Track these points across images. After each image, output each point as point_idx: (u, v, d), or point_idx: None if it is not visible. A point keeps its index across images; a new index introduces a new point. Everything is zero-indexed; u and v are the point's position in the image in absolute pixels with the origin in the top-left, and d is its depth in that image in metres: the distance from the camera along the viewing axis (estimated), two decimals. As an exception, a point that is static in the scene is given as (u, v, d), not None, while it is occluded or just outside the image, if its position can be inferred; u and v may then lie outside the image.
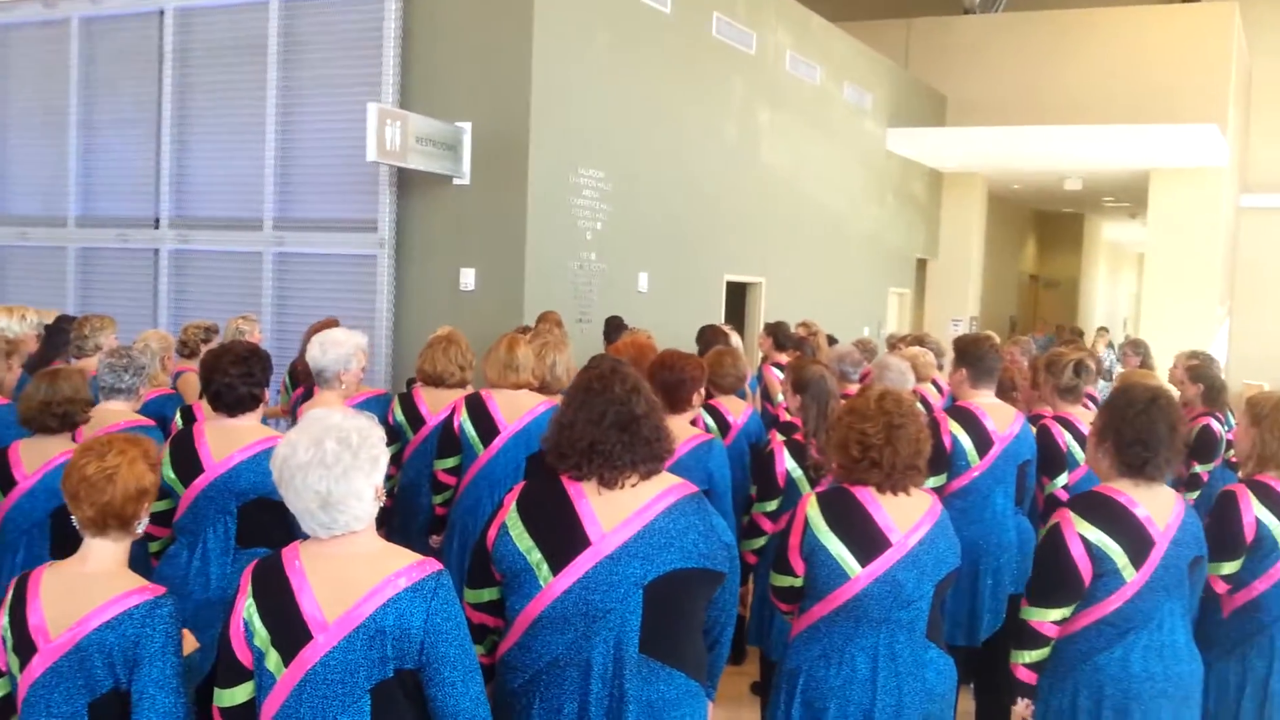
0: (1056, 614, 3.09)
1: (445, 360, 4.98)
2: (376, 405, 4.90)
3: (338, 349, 4.32)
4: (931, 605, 2.97)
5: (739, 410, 5.28)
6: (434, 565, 2.33)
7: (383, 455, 2.35)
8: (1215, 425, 5.79)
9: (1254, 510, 3.53)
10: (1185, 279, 15.17)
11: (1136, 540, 3.03)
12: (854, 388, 5.16)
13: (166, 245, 9.20)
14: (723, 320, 10.15)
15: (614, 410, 2.62)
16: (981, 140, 15.08)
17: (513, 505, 2.66)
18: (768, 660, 4.31)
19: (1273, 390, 3.66)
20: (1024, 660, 3.15)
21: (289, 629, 2.24)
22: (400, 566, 2.29)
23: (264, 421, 3.97)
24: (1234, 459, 5.32)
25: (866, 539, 2.92)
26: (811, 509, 2.99)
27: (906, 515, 2.97)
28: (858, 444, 2.96)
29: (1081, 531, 3.04)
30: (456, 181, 8.04)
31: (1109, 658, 3.05)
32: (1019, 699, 3.19)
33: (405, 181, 8.14)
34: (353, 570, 2.28)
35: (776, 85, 11.67)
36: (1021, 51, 16.63)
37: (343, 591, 2.24)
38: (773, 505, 4.13)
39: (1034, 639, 3.13)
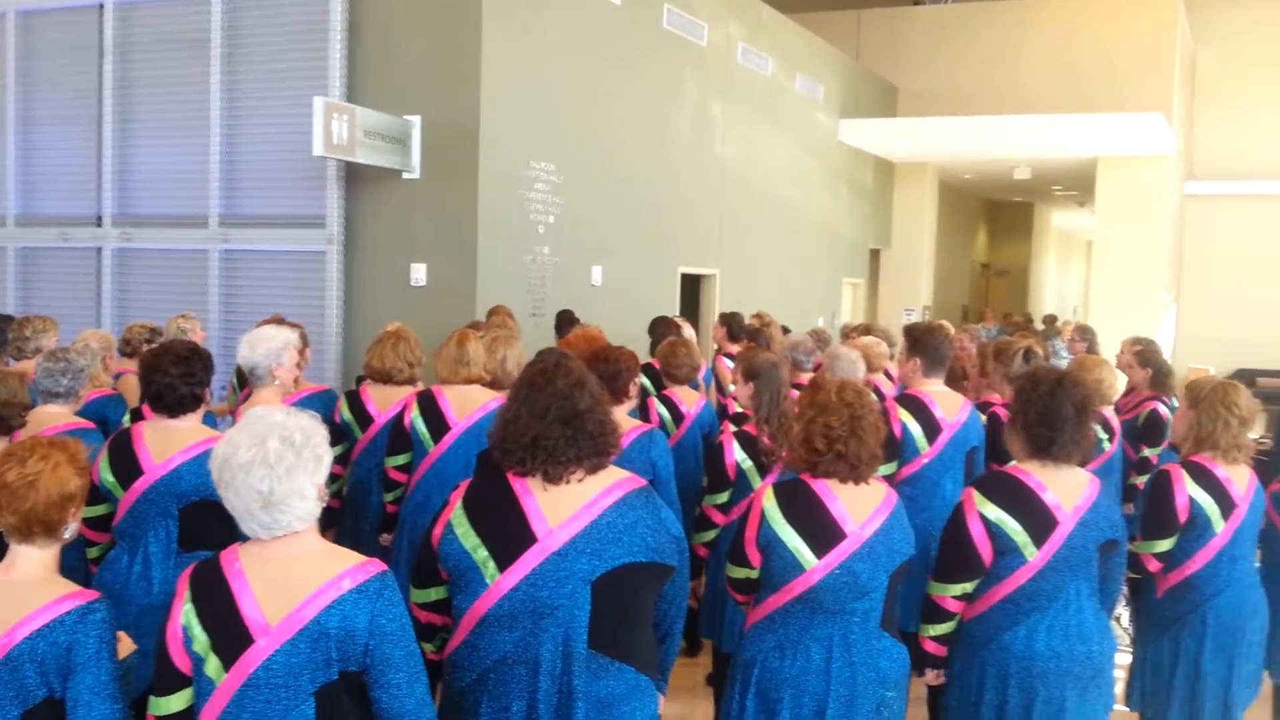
0: (957, 589, 3.17)
1: (394, 357, 4.93)
2: (319, 402, 4.84)
3: (267, 344, 4.25)
4: (886, 595, 3.00)
5: (692, 401, 5.31)
6: (378, 566, 2.30)
7: (326, 454, 2.34)
8: (1162, 409, 5.89)
9: (1188, 490, 3.59)
10: (1132, 266, 15.41)
11: (1038, 520, 3.09)
12: (807, 377, 5.18)
13: (109, 244, 9.01)
14: (678, 312, 10.16)
15: (557, 405, 2.60)
16: (932, 131, 15.20)
17: (458, 503, 2.64)
18: (720, 652, 4.31)
19: (1211, 375, 3.72)
20: (930, 634, 3.26)
21: (229, 633, 2.20)
22: (344, 568, 2.26)
23: (210, 422, 3.90)
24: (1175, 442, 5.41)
25: (822, 530, 2.94)
26: (768, 501, 3.01)
27: (862, 506, 2.99)
28: (823, 437, 2.98)
29: (982, 510, 3.12)
30: (406, 176, 7.95)
31: (1014, 636, 3.12)
32: (927, 669, 3.29)
33: (353, 176, 8.04)
34: (295, 572, 2.25)
35: (728, 77, 11.68)
36: (970, 42, 16.78)
37: (285, 594, 2.21)
38: (723, 497, 4.14)
39: (938, 614, 3.22)
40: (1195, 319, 17.80)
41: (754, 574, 3.06)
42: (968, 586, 3.17)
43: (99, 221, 9.07)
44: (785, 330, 8.08)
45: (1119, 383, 5.70)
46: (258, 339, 4.31)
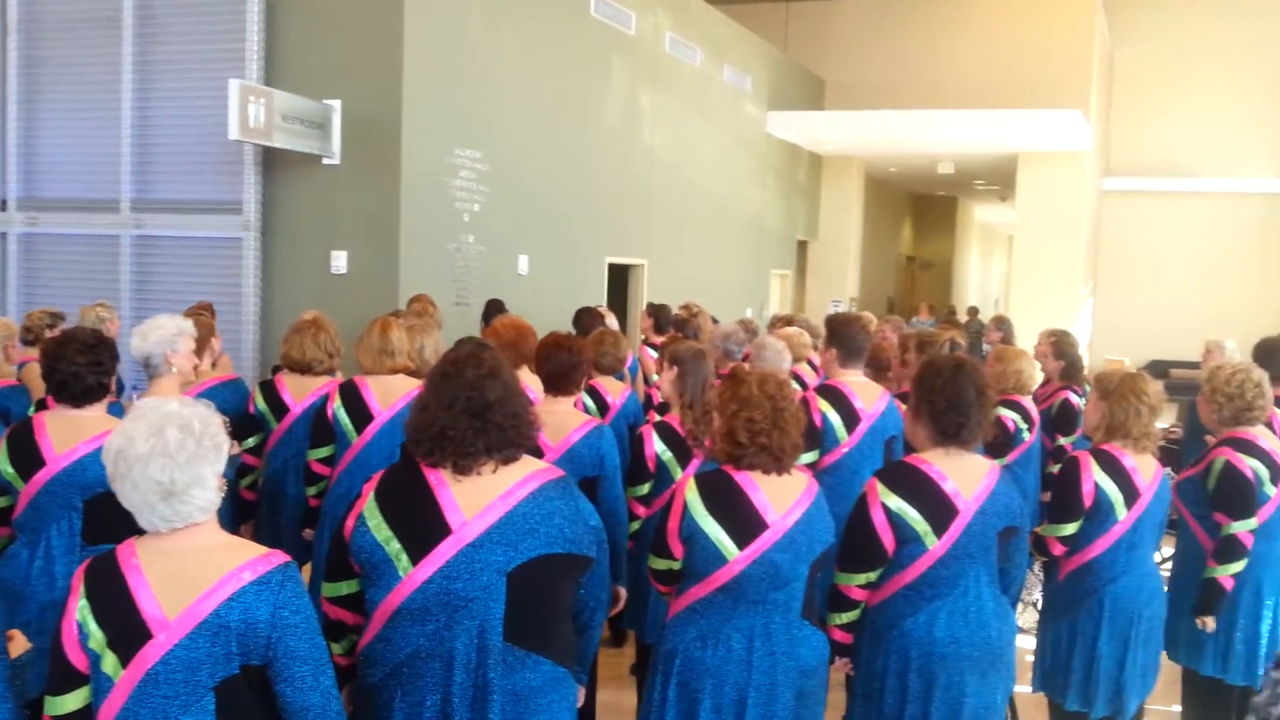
0: (861, 578, 3.20)
1: (314, 347, 4.82)
2: (229, 391, 4.73)
3: (159, 332, 4.12)
4: (807, 584, 3.02)
5: (617, 391, 5.29)
6: (281, 558, 2.25)
7: (225, 442, 2.28)
8: (1074, 398, 6.03)
9: (1094, 477, 3.67)
10: (1051, 259, 15.77)
11: (939, 509, 3.13)
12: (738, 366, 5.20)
13: (14, 228, 8.71)
14: (605, 303, 10.14)
15: (465, 396, 2.56)
16: (857, 124, 15.38)
17: (371, 494, 2.60)
18: (643, 643, 4.31)
19: (1119, 367, 3.80)
20: (837, 622, 3.28)
21: (127, 629, 2.14)
22: (245, 560, 2.21)
23: (116, 411, 3.77)
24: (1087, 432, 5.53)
25: (744, 521, 2.95)
26: (690, 493, 3.01)
27: (784, 496, 3.00)
28: (745, 431, 2.98)
29: (884, 500, 3.15)
30: (326, 161, 7.81)
31: (914, 623, 3.16)
32: (836, 658, 3.30)
33: (272, 161, 7.87)
34: (194, 565, 2.19)
35: (657, 67, 11.67)
36: (896, 37, 17.00)
37: (184, 587, 2.16)
38: (644, 489, 4.13)
39: (843, 603, 3.25)
40: (1111, 311, 18.28)
41: (676, 565, 3.06)
42: (871, 575, 3.19)
43: (3, 205, 8.77)
44: (714, 321, 8.11)
45: (1037, 373, 5.81)
46: (149, 328, 4.18)
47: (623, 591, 3.98)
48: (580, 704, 2.78)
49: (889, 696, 3.18)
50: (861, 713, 3.29)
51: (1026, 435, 5.42)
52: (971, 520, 3.13)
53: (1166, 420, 4.09)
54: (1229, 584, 3.89)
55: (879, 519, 3.13)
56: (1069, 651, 3.76)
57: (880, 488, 3.18)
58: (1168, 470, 3.99)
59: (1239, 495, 3.90)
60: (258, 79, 7.68)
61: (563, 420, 3.91)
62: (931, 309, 17.14)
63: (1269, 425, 4.31)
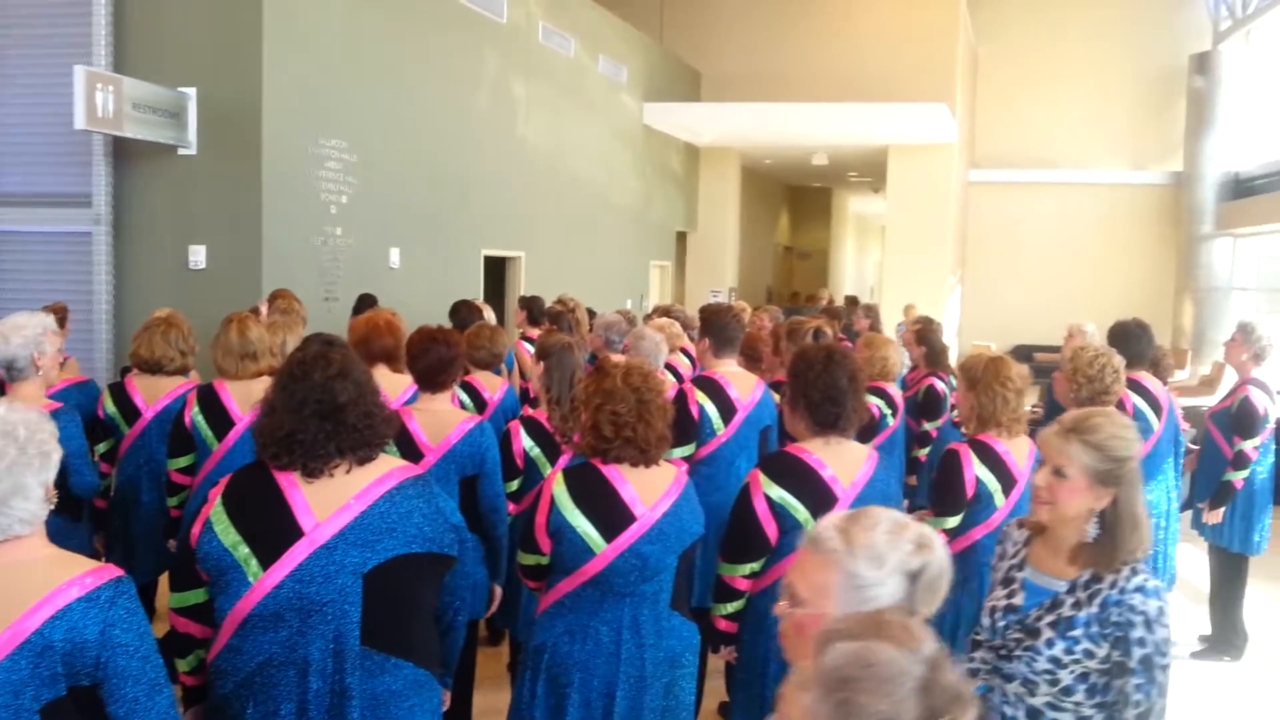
0: (746, 569, 3.24)
1: (164, 345, 4.60)
2: (79, 394, 4.49)
3: (22, 333, 3.89)
4: (676, 575, 3.02)
5: (495, 387, 5.20)
6: (113, 572, 2.13)
7: (54, 451, 2.17)
8: (939, 384, 6.18)
9: (974, 468, 3.75)
10: (920, 249, 16.21)
11: (819, 497, 3.18)
12: (619, 357, 5.16)
13: None
14: (482, 296, 10.00)
15: (314, 398, 2.48)
16: (732, 116, 15.53)
17: (218, 499, 2.50)
18: (516, 640, 4.25)
19: (981, 353, 3.89)
20: (722, 612, 3.31)
21: (-58, 652, 1.98)
22: (72, 575, 2.09)
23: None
24: (957, 420, 5.67)
25: (611, 514, 2.94)
26: (557, 487, 3.00)
27: (652, 488, 3.00)
28: (610, 424, 2.98)
29: (767, 491, 3.20)
30: (181, 152, 7.48)
31: None
32: (720, 646, 3.35)
33: (123, 152, 7.51)
34: (16, 581, 2.06)
35: (529, 56, 11.55)
36: (771, 29, 17.21)
37: (5, 605, 2.03)
38: (513, 485, 4.07)
39: (729, 593, 3.29)
40: (978, 299, 18.91)
41: (544, 560, 3.04)
42: (755, 566, 3.22)
43: None
44: (591, 313, 8.06)
45: (903, 360, 5.94)
46: (10, 328, 3.94)
47: (498, 590, 3.92)
48: (446, 707, 2.74)
49: (770, 683, 3.21)
50: (743, 699, 3.31)
51: (890, 420, 5.54)
52: (850, 507, 3.16)
53: (1029, 401, 4.26)
54: None
55: (761, 509, 3.16)
56: (953, 631, 3.84)
57: (762, 478, 3.21)
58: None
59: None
60: (106, 65, 7.31)
61: (442, 419, 3.84)
62: (831, 300, 17.42)
63: (1120, 405, 4.48)
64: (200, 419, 4.18)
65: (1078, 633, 2.37)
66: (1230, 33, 17.33)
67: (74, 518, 4.11)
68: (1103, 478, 2.39)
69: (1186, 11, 18.28)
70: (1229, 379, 5.76)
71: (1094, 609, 2.36)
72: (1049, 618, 2.42)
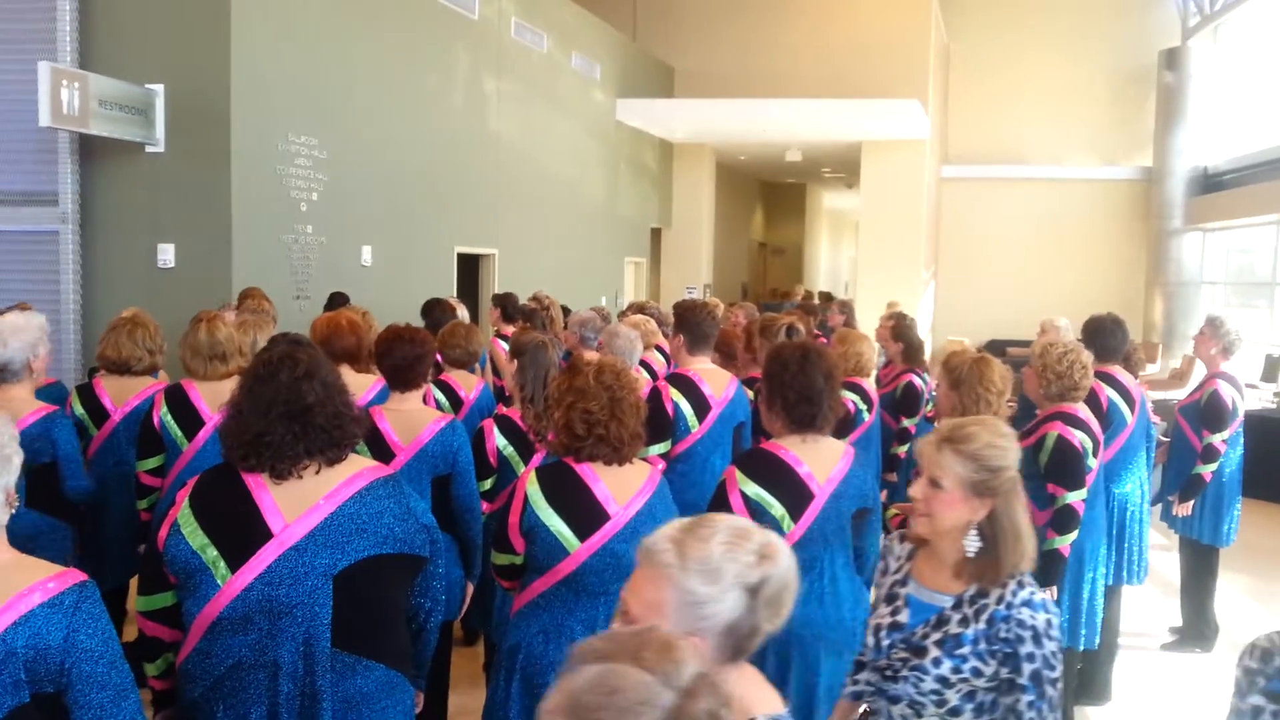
0: None
1: (131, 345, 4.53)
2: (46, 397, 4.40)
3: (20, 336, 3.86)
4: None
5: (471, 386, 5.18)
6: (76, 577, 2.09)
7: (16, 455, 2.14)
8: (917, 381, 6.18)
9: None
10: (894, 244, 16.28)
11: (794, 494, 3.19)
12: (594, 354, 5.14)
13: None
14: (455, 293, 9.94)
15: (282, 400, 2.46)
16: (706, 112, 15.52)
17: (185, 501, 2.48)
18: (490, 641, 4.22)
19: (965, 350, 3.89)
20: None
21: (-99, 661, 1.95)
22: (34, 580, 2.05)
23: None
24: (931, 414, 5.68)
25: (585, 513, 2.93)
26: (531, 486, 2.98)
27: (626, 486, 2.99)
28: (583, 422, 2.96)
29: (743, 488, 3.20)
30: (150, 149, 7.39)
31: None
32: None
33: (90, 149, 7.41)
34: (-26, 587, 2.01)
35: (502, 53, 11.49)
36: (744, 25, 17.21)
37: (-36, 613, 1.98)
38: (486, 484, 4.04)
39: None
40: (952, 294, 19.01)
41: (518, 560, 3.02)
42: None
43: None
44: (565, 311, 8.03)
45: (877, 356, 5.94)
46: (7, 331, 3.89)
47: (470, 588, 3.89)
48: (419, 709, 2.72)
49: None
50: None
51: (866, 416, 5.55)
52: (826, 503, 3.19)
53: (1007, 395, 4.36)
54: (1066, 552, 4.04)
55: (737, 506, 3.16)
56: None
57: (739, 475, 3.21)
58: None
59: (1072, 467, 4.05)
60: (71, 62, 7.22)
61: (413, 418, 3.82)
62: (808, 295, 17.46)
63: (1094, 399, 4.51)
64: (169, 419, 4.13)
65: (965, 650, 2.28)
66: (1199, 28, 17.49)
67: (67, 520, 4.07)
68: (978, 488, 2.31)
69: (1156, 8, 18.43)
70: (1199, 373, 5.81)
71: (981, 625, 2.28)
72: (935, 635, 2.33)
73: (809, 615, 3.16)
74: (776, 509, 3.15)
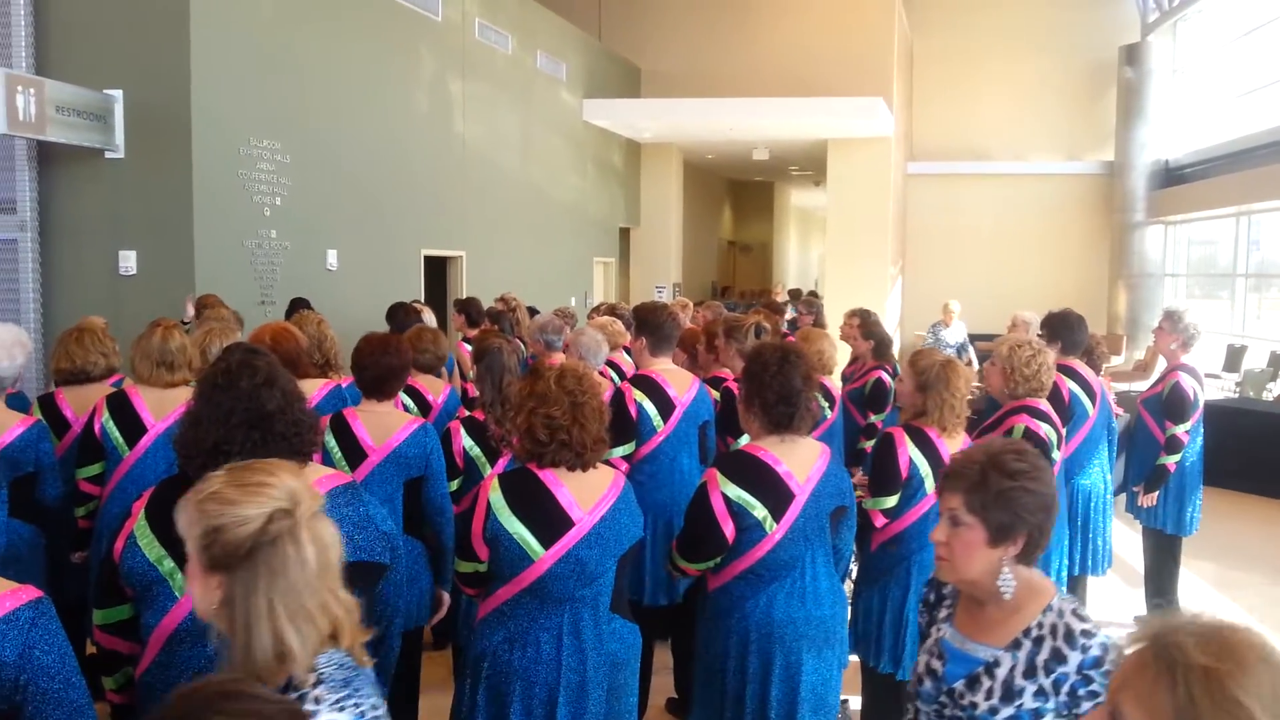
0: (701, 566, 3.28)
1: (82, 351, 4.46)
2: (12, 407, 4.34)
3: (26, 350, 3.83)
4: (615, 578, 2.99)
5: (438, 390, 5.17)
6: (31, 593, 2.06)
7: None
8: (886, 377, 6.21)
9: (909, 451, 3.79)
10: (861, 241, 16.36)
11: (776, 495, 3.20)
12: (559, 356, 5.13)
13: None
14: (423, 296, 9.89)
15: (242, 408, 2.43)
16: (673, 112, 15.54)
17: (141, 512, 2.45)
18: (458, 645, 4.21)
19: (933, 354, 3.94)
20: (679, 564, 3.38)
21: None
22: None
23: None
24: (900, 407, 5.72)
25: (549, 519, 2.91)
26: (493, 493, 2.96)
27: (589, 492, 2.98)
28: (545, 428, 2.94)
29: (724, 490, 3.20)
30: (109, 155, 7.32)
31: (754, 605, 3.23)
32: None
33: (48, 156, 7.33)
34: (-71, 605, 1.97)
35: (466, 54, 11.45)
36: (708, 24, 17.24)
37: (-84, 630, 1.94)
38: (453, 485, 4.04)
39: (684, 572, 3.37)
40: (918, 289, 19.11)
41: (482, 567, 3.00)
42: (711, 564, 3.25)
43: None
44: (532, 312, 8.02)
45: (840, 353, 5.96)
46: (15, 345, 3.85)
47: (446, 596, 3.88)
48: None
49: (730, 678, 3.23)
50: (703, 694, 3.32)
51: (828, 413, 5.58)
52: (806, 503, 3.20)
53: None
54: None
55: (719, 508, 3.17)
56: (880, 617, 3.89)
57: (719, 477, 3.21)
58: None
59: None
60: (27, 68, 7.13)
61: (386, 420, 3.80)
62: (795, 293, 17.48)
63: (1056, 392, 4.58)
64: (111, 425, 4.04)
65: (1030, 704, 2.03)
66: (1158, 24, 17.69)
67: (41, 526, 4.01)
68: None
69: (1116, 4, 18.63)
70: (1162, 364, 5.88)
71: (1063, 697, 2.02)
72: (983, 689, 2.09)
73: (791, 613, 3.21)
74: (759, 510, 3.16)
